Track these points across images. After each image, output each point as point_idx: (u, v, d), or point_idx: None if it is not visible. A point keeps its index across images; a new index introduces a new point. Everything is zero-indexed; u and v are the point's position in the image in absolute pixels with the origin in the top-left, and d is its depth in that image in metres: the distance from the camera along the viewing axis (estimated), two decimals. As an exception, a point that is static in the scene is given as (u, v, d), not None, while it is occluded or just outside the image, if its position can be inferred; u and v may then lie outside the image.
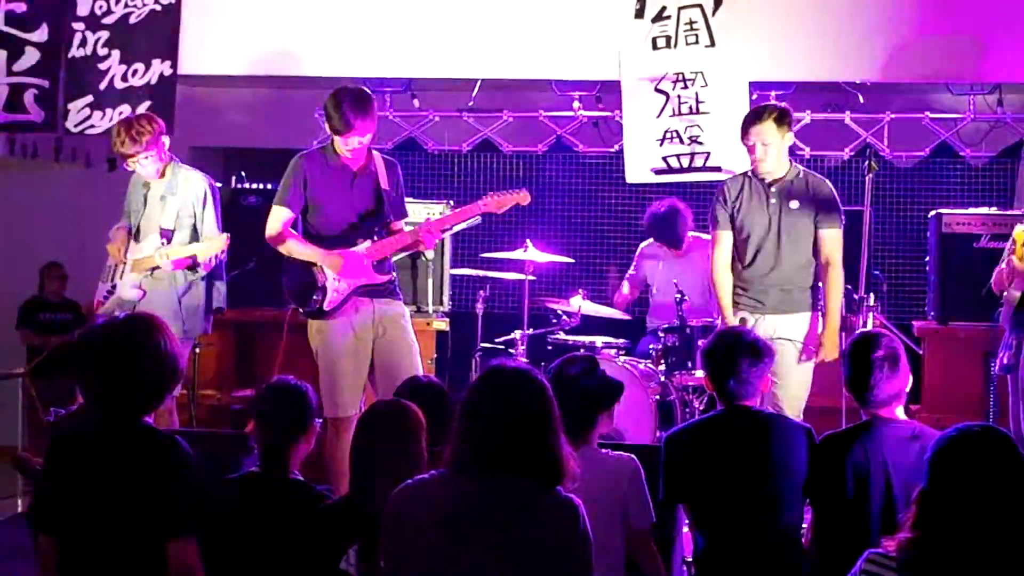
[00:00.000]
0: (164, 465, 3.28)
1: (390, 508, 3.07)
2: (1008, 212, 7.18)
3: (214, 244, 5.84)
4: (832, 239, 5.62)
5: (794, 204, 5.59)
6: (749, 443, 3.99)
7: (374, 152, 5.63)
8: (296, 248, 5.54)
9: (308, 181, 5.53)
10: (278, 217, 5.55)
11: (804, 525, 4.17)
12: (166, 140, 5.92)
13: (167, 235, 5.92)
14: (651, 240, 7.53)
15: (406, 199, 5.82)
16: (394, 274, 5.66)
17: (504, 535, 2.96)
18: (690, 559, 4.30)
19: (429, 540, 2.98)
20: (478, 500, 2.99)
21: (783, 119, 5.56)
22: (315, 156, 5.61)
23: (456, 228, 6.40)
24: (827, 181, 5.71)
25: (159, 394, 3.41)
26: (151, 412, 3.41)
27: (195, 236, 5.95)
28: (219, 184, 6.24)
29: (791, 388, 5.52)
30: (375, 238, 5.51)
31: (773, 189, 5.62)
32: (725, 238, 5.71)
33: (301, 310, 5.59)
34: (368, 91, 5.56)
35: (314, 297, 5.48)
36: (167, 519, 3.25)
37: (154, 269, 5.90)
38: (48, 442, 3.54)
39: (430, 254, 6.03)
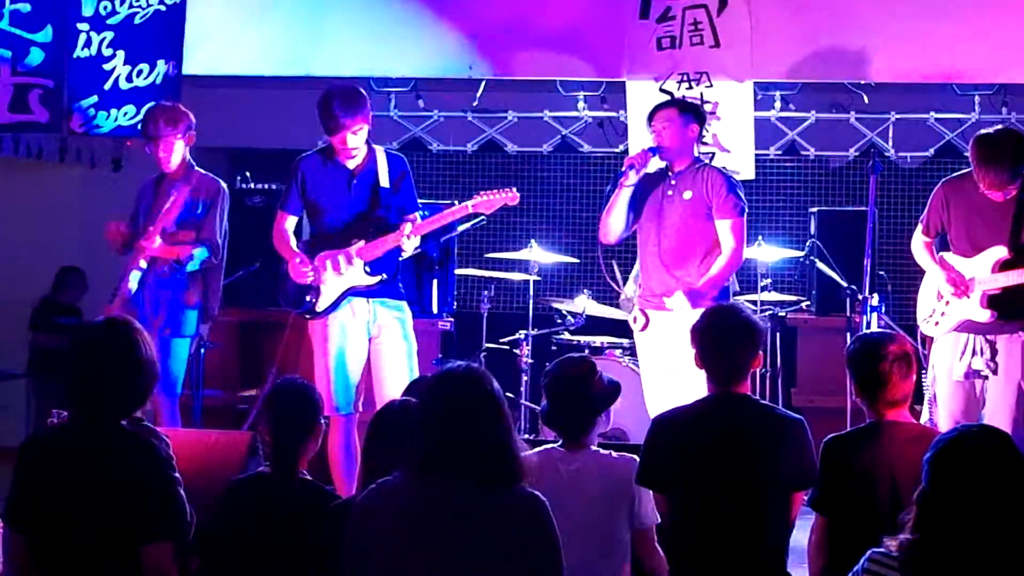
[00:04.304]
0: (138, 468, 3.27)
1: (358, 508, 3.07)
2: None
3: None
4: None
5: (687, 195, 5.48)
6: (736, 431, 3.86)
7: (377, 149, 5.61)
8: (284, 251, 5.58)
9: (306, 183, 5.55)
10: (279, 221, 5.61)
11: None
12: (193, 135, 5.89)
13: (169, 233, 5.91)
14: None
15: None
16: (385, 275, 5.52)
17: (468, 535, 2.95)
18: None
19: (394, 540, 2.97)
20: (441, 500, 2.98)
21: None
22: (313, 158, 5.62)
23: (459, 228, 6.39)
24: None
25: (136, 397, 3.42)
26: (129, 415, 3.40)
27: (196, 236, 5.94)
28: (224, 184, 6.22)
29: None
30: (368, 238, 5.50)
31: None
32: None
33: (295, 311, 5.60)
34: (357, 87, 5.55)
35: (308, 298, 5.50)
36: (140, 522, 3.24)
37: (151, 262, 5.79)
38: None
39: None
